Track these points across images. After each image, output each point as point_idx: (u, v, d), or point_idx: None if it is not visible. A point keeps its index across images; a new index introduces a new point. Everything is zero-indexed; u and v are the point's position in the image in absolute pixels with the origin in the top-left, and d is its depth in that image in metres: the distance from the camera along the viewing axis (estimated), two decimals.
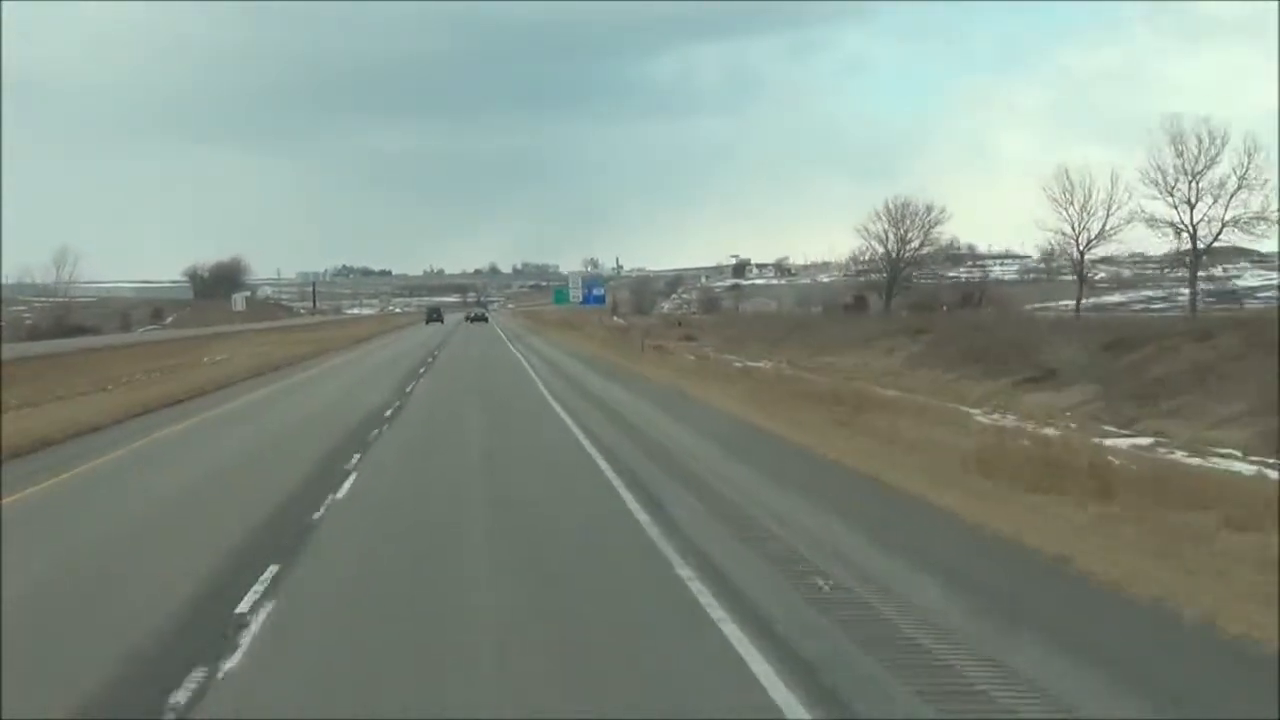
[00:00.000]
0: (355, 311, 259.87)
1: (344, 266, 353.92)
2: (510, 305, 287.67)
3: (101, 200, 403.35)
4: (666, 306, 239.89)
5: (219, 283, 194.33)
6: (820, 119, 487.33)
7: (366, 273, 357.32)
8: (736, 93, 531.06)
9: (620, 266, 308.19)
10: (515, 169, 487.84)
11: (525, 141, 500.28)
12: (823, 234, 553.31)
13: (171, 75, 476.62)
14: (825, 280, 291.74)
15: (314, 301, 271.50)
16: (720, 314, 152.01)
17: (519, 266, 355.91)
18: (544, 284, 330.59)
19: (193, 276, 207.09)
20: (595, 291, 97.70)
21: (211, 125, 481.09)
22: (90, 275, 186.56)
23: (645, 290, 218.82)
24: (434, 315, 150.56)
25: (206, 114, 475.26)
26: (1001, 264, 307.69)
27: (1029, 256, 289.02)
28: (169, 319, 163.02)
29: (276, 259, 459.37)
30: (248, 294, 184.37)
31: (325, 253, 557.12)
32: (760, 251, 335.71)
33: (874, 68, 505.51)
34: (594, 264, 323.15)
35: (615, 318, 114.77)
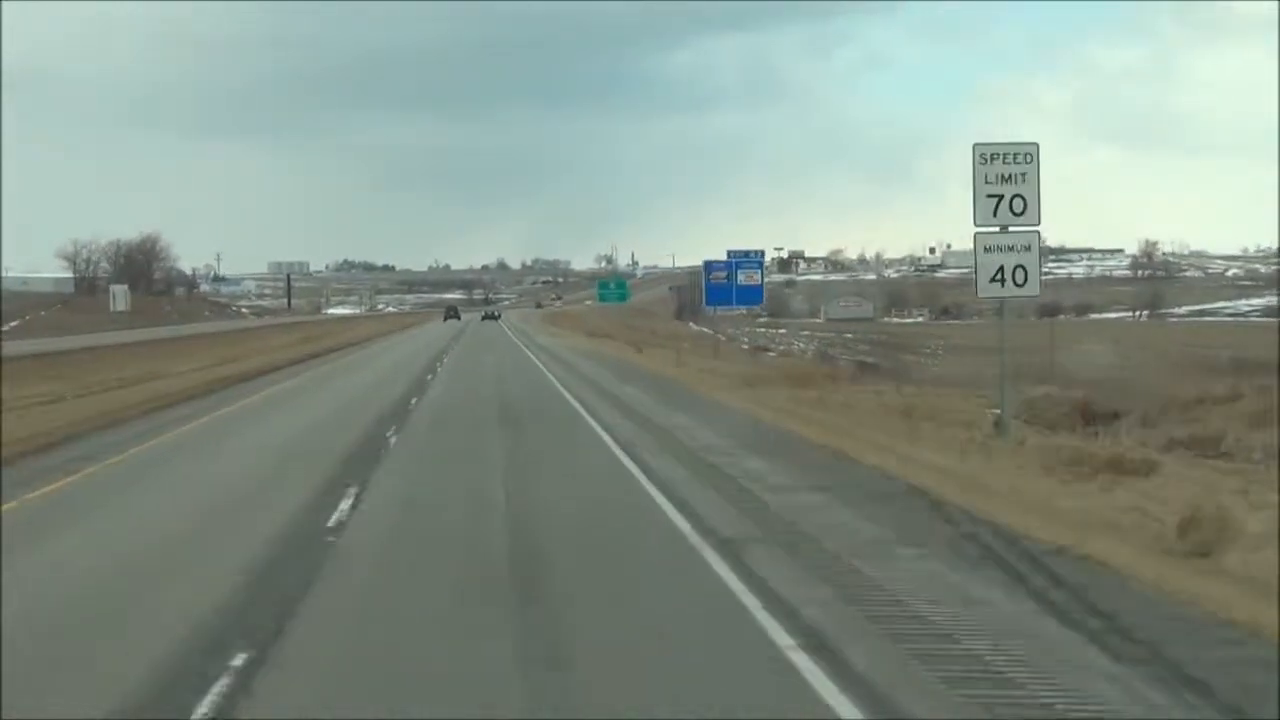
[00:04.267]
0: (333, 312, 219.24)
1: (345, 261, 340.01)
2: (524, 303, 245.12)
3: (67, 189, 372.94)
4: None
5: (141, 272, 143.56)
6: (837, 116, 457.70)
7: (369, 268, 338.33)
8: (752, 89, 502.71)
9: (636, 263, 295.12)
10: (524, 164, 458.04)
11: (534, 137, 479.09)
12: (839, 231, 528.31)
13: (168, 68, 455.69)
14: (893, 275, 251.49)
15: (289, 299, 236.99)
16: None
17: (529, 262, 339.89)
18: (559, 280, 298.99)
19: (74, 262, 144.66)
20: (741, 281, 50.43)
21: (204, 118, 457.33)
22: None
23: (695, 288, 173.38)
24: (451, 313, 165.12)
25: (201, 107, 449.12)
26: (1090, 258, 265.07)
27: (1119, 250, 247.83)
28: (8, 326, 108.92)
29: (270, 253, 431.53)
30: (187, 286, 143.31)
31: (329, 248, 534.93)
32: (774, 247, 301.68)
33: (894, 64, 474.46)
34: (608, 260, 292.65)
35: (692, 324, 73.01)
